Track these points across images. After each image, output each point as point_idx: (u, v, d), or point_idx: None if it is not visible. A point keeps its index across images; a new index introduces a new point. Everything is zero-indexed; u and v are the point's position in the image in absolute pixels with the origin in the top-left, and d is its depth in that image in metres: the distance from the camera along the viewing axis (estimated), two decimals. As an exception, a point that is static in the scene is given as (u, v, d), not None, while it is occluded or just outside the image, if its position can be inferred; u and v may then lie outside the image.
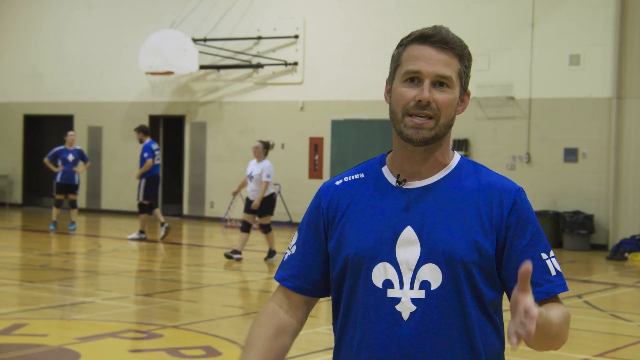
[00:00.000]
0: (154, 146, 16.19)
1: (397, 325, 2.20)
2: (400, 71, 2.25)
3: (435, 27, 2.25)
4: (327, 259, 2.35)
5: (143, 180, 16.03)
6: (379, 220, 2.26)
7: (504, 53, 17.46)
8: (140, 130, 16.33)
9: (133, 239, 16.03)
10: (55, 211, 17.78)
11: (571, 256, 15.48)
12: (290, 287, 2.37)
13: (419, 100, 2.19)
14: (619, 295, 11.89)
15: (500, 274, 2.27)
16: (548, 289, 2.25)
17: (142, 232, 16.13)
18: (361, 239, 2.26)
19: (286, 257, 2.42)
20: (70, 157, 17.57)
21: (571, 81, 16.88)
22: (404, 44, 2.27)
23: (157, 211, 16.15)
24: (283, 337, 2.34)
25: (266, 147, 13.26)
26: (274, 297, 2.41)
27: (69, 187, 17.64)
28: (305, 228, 2.38)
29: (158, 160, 16.24)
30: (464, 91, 2.29)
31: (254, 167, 13.20)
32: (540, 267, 2.25)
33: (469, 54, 2.28)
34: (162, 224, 16.09)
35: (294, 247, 2.39)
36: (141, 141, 16.20)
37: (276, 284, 2.42)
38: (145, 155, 16.03)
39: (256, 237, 17.99)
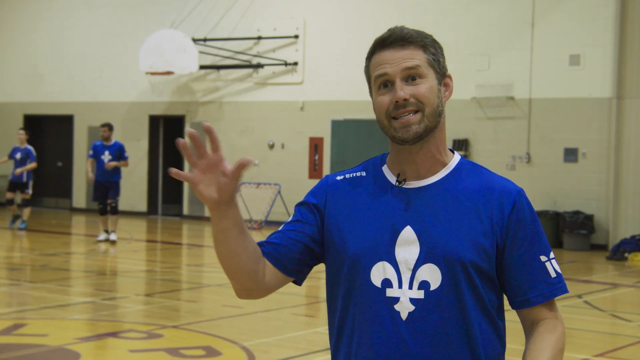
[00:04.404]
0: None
1: (395, 325, 2.19)
2: (372, 82, 2.28)
3: (390, 29, 2.28)
4: (312, 244, 2.32)
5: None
6: (378, 220, 2.25)
7: (504, 53, 17.46)
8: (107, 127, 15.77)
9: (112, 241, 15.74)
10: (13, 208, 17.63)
11: (571, 256, 15.48)
12: (263, 251, 2.33)
13: (396, 101, 2.21)
14: (619, 295, 11.89)
15: (499, 276, 2.26)
16: (546, 293, 2.25)
17: (105, 231, 15.80)
18: (360, 238, 2.25)
19: (280, 227, 2.41)
20: (19, 156, 17.18)
21: (571, 81, 16.88)
22: (368, 56, 2.31)
23: (104, 219, 15.64)
24: (259, 259, 2.30)
25: None
26: None
27: (19, 184, 17.32)
28: (304, 208, 2.36)
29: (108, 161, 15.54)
30: (443, 76, 2.28)
31: None
32: (539, 270, 2.25)
33: (433, 40, 2.28)
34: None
35: (290, 222, 2.36)
36: (108, 138, 15.63)
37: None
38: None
39: (256, 237, 17.98)
